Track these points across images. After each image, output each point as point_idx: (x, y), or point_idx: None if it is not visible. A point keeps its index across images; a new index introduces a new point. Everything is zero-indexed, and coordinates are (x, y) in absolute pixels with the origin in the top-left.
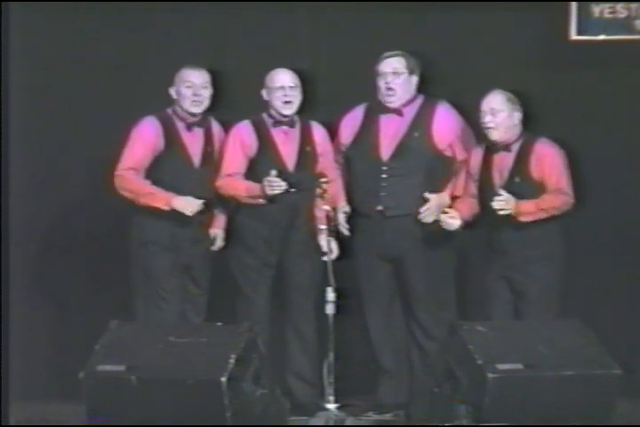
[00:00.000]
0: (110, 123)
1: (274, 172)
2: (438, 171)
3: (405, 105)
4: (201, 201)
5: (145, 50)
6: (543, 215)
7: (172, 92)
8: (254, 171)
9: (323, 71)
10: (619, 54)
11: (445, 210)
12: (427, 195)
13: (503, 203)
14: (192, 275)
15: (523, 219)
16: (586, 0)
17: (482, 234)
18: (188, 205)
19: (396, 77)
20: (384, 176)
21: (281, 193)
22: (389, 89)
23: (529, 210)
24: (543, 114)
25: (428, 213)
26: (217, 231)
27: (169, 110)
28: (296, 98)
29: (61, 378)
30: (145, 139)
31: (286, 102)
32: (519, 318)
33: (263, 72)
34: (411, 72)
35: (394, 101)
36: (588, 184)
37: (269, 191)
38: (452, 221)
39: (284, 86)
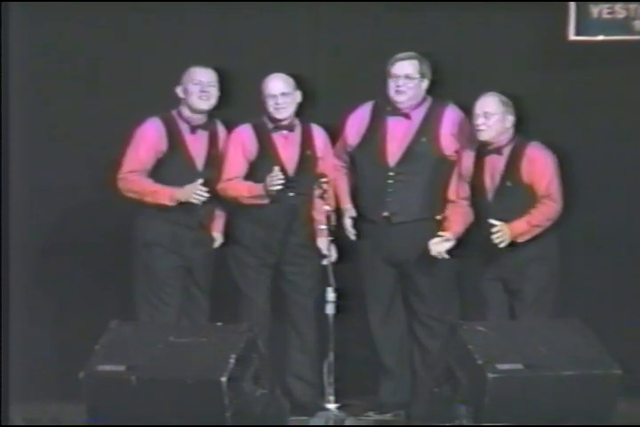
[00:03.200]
0: (113, 123)
1: (277, 168)
2: (444, 176)
3: (414, 108)
4: (198, 183)
5: (147, 51)
6: (538, 230)
7: (179, 90)
8: (255, 175)
9: (324, 72)
10: (617, 55)
11: (439, 233)
12: (438, 217)
13: (501, 233)
14: (194, 276)
15: (520, 240)
16: (584, 0)
17: (475, 237)
18: (191, 192)
19: (408, 81)
20: (390, 182)
21: (281, 194)
22: (399, 92)
23: (522, 229)
24: (542, 114)
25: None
26: (216, 235)
27: (173, 112)
28: (289, 104)
29: (61, 378)
30: (148, 141)
31: (277, 109)
32: (514, 318)
33: (265, 73)
34: (422, 76)
35: (403, 101)
36: (586, 184)
37: (271, 187)
38: (445, 245)
39: (275, 95)
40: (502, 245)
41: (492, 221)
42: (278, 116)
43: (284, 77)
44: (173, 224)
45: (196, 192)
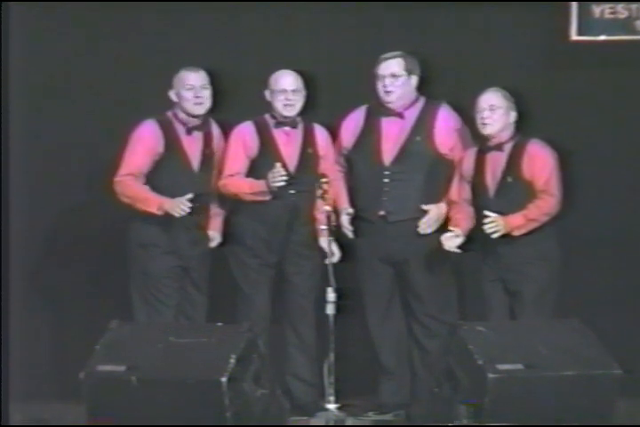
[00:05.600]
0: (110, 125)
1: (278, 164)
2: (439, 174)
3: (407, 108)
4: (186, 198)
5: (145, 51)
6: (535, 224)
7: (172, 95)
8: (256, 172)
9: (323, 72)
10: (619, 55)
11: (450, 228)
12: (425, 206)
13: (494, 224)
14: (191, 276)
15: (516, 233)
16: (586, 0)
17: (476, 236)
18: (175, 206)
19: (395, 80)
20: (386, 181)
21: (282, 192)
22: (387, 92)
23: (519, 223)
24: (543, 114)
25: (427, 226)
26: (213, 233)
27: (169, 113)
28: (297, 101)
29: (61, 378)
30: (144, 143)
31: (287, 105)
32: (515, 319)
33: (264, 73)
34: (409, 73)
35: (392, 101)
36: (586, 184)
37: (273, 183)
38: (456, 240)
39: (285, 90)
40: (495, 236)
41: (487, 213)
42: (286, 113)
43: (295, 74)
44: (170, 225)
45: (179, 206)
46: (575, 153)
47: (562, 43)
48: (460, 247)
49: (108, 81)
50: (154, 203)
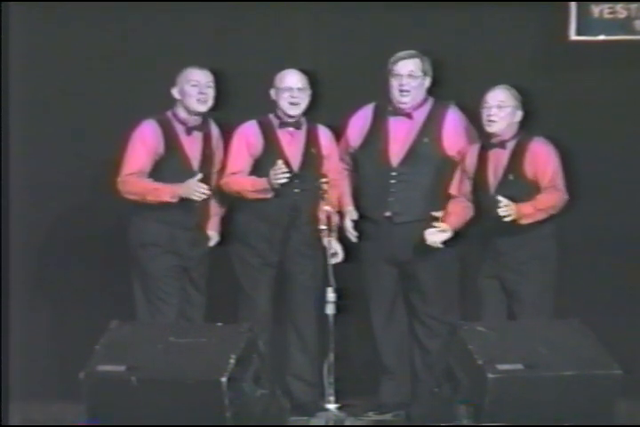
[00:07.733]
0: (111, 124)
1: (280, 161)
2: (446, 176)
3: (416, 108)
4: (197, 179)
5: (146, 50)
6: (542, 215)
7: (175, 92)
8: (259, 171)
9: (325, 72)
10: (618, 55)
11: (434, 224)
12: (435, 213)
13: (507, 208)
14: (191, 276)
15: (523, 221)
16: (585, 0)
17: (475, 234)
18: (192, 189)
19: (412, 80)
20: (393, 182)
21: (285, 190)
22: (403, 91)
23: (528, 212)
24: (543, 114)
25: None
26: (211, 233)
27: (168, 113)
28: (303, 100)
29: (61, 378)
30: (145, 143)
31: (292, 104)
32: (512, 318)
33: (265, 73)
34: (425, 74)
35: (407, 102)
36: (586, 184)
37: (275, 180)
38: (440, 236)
39: (291, 88)
40: (507, 219)
41: (500, 198)
42: (291, 111)
43: (300, 73)
44: (170, 225)
45: (196, 189)
46: (575, 152)
47: (561, 43)
48: (456, 244)
49: (109, 81)
50: (166, 192)
